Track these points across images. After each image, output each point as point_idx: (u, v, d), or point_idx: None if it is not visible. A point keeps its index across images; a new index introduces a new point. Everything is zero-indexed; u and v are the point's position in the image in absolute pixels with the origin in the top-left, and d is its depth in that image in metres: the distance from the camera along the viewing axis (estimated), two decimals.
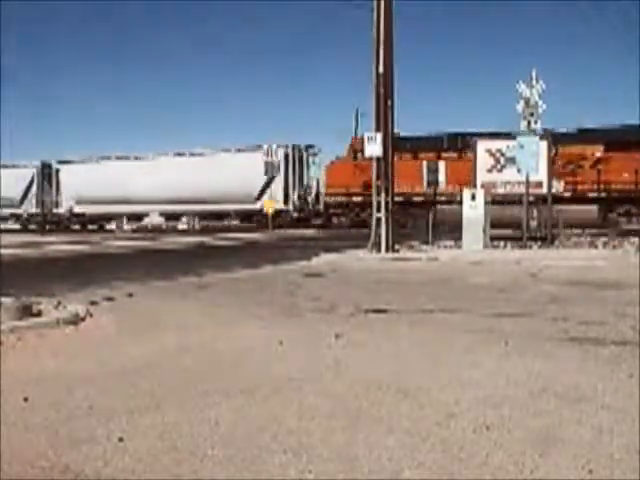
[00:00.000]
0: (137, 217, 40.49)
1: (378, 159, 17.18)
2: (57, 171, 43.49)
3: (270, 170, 34.54)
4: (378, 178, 17.29)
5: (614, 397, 4.21)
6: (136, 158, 40.42)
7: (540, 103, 19.68)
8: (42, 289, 9.30)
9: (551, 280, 11.24)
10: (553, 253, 16.72)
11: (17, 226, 43.67)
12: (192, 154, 38.85)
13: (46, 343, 6.14)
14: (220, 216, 38.25)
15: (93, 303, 8.30)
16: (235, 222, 38.07)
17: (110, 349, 5.90)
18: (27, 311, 6.96)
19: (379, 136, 16.98)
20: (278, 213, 35.56)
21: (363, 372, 4.93)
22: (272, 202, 34.61)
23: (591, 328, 6.56)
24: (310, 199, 36.46)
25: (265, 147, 35.51)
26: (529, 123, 19.67)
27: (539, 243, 18.55)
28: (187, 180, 36.69)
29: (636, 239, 19.44)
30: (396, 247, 17.28)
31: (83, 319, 7.16)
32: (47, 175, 44.05)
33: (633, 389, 4.36)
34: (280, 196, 35.80)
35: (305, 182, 36.41)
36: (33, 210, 44.18)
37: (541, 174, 19.14)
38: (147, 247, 22.46)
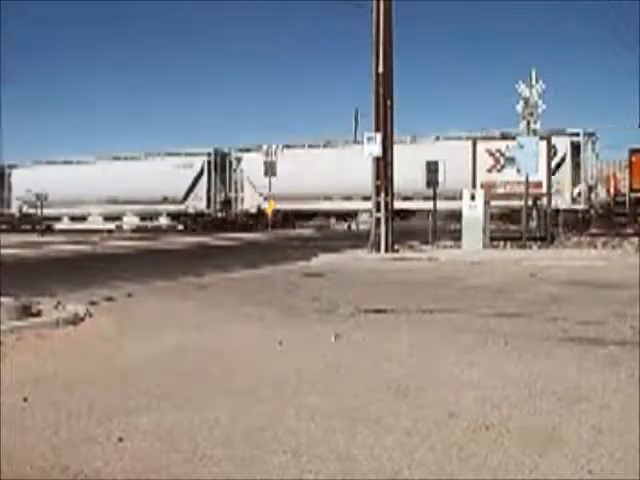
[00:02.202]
0: (81, 218, 41.65)
1: (378, 159, 17.20)
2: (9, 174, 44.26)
3: (270, 170, 34.47)
4: (378, 178, 17.30)
5: (614, 397, 4.21)
6: (78, 162, 41.94)
7: (539, 103, 19.71)
8: None
9: (551, 280, 11.24)
10: (553, 253, 16.72)
11: None
12: (127, 158, 40.35)
13: (46, 343, 6.14)
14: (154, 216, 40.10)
15: None
16: (165, 221, 39.51)
17: None
18: (27, 311, 6.96)
19: (379, 136, 17.00)
20: (201, 215, 37.87)
21: (362, 371, 4.94)
22: (272, 202, 34.55)
23: (590, 328, 6.56)
24: (235, 203, 37.83)
25: (265, 147, 35.48)
26: (529, 123, 19.70)
27: (539, 243, 18.56)
28: (123, 182, 38.04)
29: (635, 239, 19.45)
30: (396, 247, 17.29)
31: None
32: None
33: (633, 389, 4.37)
34: (204, 199, 37.67)
35: (228, 186, 37.72)
36: None
37: (540, 174, 19.16)
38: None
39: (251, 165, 36.27)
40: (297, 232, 34.39)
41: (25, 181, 42.05)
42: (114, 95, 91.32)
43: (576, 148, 29.53)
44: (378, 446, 3.39)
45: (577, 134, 29.53)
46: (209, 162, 37.50)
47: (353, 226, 35.85)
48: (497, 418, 3.82)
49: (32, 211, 41.47)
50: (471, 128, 30.57)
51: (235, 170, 37.37)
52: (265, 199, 35.27)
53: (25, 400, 4.27)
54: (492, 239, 18.61)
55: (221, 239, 27.52)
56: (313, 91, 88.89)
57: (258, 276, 12.54)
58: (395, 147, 17.84)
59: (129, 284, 10.70)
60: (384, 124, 17.11)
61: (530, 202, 20.06)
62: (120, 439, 3.56)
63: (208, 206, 37.74)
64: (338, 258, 16.33)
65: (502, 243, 18.94)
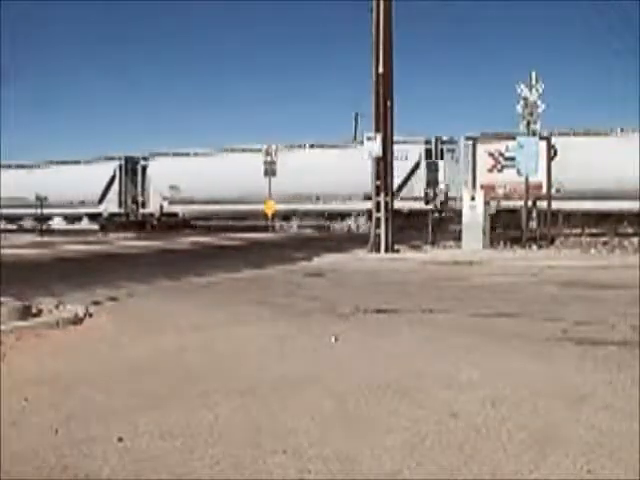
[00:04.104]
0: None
1: (378, 159, 17.21)
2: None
3: (270, 170, 34.48)
4: (378, 178, 17.31)
5: (614, 397, 4.21)
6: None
7: (539, 103, 19.72)
8: None
9: (551, 280, 11.24)
10: (553, 253, 16.74)
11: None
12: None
13: (46, 343, 6.14)
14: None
15: None
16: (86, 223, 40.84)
17: None
18: (27, 311, 6.96)
19: (379, 136, 17.01)
20: (112, 217, 39.66)
21: (362, 371, 4.94)
22: (271, 203, 34.52)
23: (590, 328, 6.56)
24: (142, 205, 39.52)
25: (264, 147, 35.51)
26: (528, 124, 19.71)
27: (539, 243, 18.57)
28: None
29: (635, 239, 19.46)
30: (396, 247, 17.30)
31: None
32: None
33: (633, 389, 4.37)
34: (117, 202, 39.77)
35: (137, 190, 39.75)
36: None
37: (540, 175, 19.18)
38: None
39: (157, 170, 38.43)
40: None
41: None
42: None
43: (429, 154, 31.55)
44: (378, 446, 3.40)
45: (429, 141, 31.57)
46: (120, 168, 39.61)
47: (353, 226, 35.68)
48: (497, 418, 3.82)
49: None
50: (471, 128, 30.67)
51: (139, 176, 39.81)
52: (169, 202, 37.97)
53: (25, 400, 4.27)
54: (492, 239, 18.62)
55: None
56: (313, 91, 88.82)
57: (262, 277, 12.55)
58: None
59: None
60: (384, 124, 17.13)
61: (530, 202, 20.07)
62: (120, 439, 3.56)
63: (122, 208, 39.96)
64: (339, 258, 16.34)
65: (502, 243, 18.95)
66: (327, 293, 9.81)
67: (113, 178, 39.81)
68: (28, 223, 41.27)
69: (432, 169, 30.20)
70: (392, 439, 3.51)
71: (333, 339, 6.07)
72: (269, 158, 35.00)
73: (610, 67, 68.89)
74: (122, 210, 40.02)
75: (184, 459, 3.29)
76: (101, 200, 39.97)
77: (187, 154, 38.63)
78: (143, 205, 39.84)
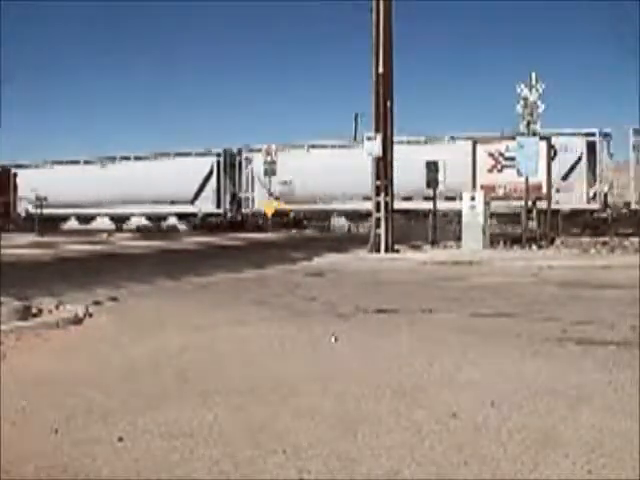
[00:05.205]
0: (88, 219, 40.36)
1: (378, 159, 17.21)
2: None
3: (270, 170, 34.45)
4: (378, 178, 17.31)
5: (614, 397, 4.21)
6: (86, 162, 40.22)
7: (539, 103, 19.72)
8: None
9: (551, 280, 11.25)
10: (553, 253, 16.73)
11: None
12: (137, 158, 39.02)
13: (46, 343, 6.14)
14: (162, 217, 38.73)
15: None
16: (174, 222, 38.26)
17: None
18: (27, 311, 6.96)
19: (379, 136, 17.01)
20: (210, 215, 36.72)
21: (362, 371, 4.94)
22: (272, 203, 34.47)
23: (590, 328, 6.56)
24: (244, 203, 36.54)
25: (264, 147, 35.42)
26: (528, 124, 19.71)
27: (539, 243, 18.57)
28: (132, 182, 36.81)
29: (635, 239, 19.45)
30: (396, 247, 17.30)
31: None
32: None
33: (633, 389, 4.37)
34: (213, 200, 36.54)
35: (237, 186, 36.65)
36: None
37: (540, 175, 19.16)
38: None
39: (261, 165, 34.82)
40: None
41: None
42: (114, 96, 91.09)
43: (592, 148, 29.33)
44: (378, 446, 3.40)
45: (593, 134, 29.40)
46: (218, 162, 36.49)
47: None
48: (497, 418, 3.82)
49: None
50: (471, 128, 30.54)
51: (246, 170, 36.04)
52: (276, 198, 34.21)
53: (25, 400, 4.27)
54: (492, 240, 18.62)
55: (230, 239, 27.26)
56: (312, 91, 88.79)
57: (264, 276, 12.55)
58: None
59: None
60: (384, 124, 17.13)
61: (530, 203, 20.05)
62: (120, 439, 3.56)
63: (218, 206, 36.68)
64: (340, 258, 16.34)
65: (502, 243, 18.95)
66: (327, 293, 9.80)
67: (210, 174, 36.26)
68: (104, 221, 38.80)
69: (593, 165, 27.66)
70: (392, 439, 3.51)
71: (333, 339, 6.07)
72: (269, 158, 34.95)
73: (610, 67, 68.79)
74: (221, 210, 36.46)
75: (184, 459, 3.29)
76: (194, 199, 36.59)
77: (302, 146, 34.76)
78: (239, 203, 36.29)
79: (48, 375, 4.98)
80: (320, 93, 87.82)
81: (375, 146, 17.01)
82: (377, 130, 17.14)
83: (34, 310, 7.16)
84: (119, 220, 38.91)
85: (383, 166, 17.22)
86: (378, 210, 17.17)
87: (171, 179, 35.80)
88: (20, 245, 22.50)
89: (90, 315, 7.38)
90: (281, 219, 34.69)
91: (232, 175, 36.53)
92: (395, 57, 17.33)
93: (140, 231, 35.98)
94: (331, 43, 77.84)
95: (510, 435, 3.54)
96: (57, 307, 7.56)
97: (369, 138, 17.23)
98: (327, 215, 34.46)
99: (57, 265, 15.60)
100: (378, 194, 17.23)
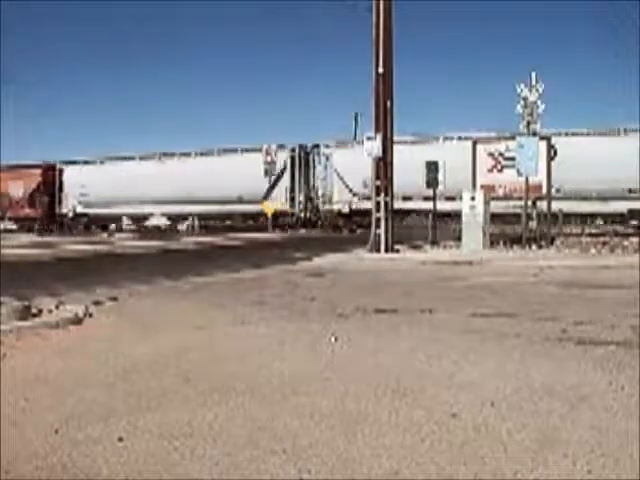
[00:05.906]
0: (142, 218, 38.40)
1: (378, 159, 17.22)
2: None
3: (270, 171, 34.46)
4: (378, 178, 17.31)
5: (614, 397, 4.21)
6: (141, 158, 38.38)
7: (539, 103, 19.73)
8: None
9: (551, 280, 11.24)
10: (552, 253, 16.73)
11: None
12: (200, 154, 37.08)
13: (46, 343, 6.14)
14: (227, 217, 36.59)
15: None
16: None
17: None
18: (27, 311, 6.96)
19: (379, 136, 17.02)
20: (280, 215, 34.54)
21: (361, 371, 4.94)
22: (272, 203, 34.49)
23: (590, 328, 6.56)
24: (316, 201, 34.54)
25: (264, 147, 35.38)
26: (528, 124, 19.72)
27: (539, 243, 18.56)
28: (194, 180, 34.84)
29: (635, 239, 19.45)
30: (396, 247, 17.30)
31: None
32: None
33: (633, 389, 4.37)
34: (285, 198, 34.50)
35: (311, 184, 34.75)
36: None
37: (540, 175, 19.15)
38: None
39: (343, 161, 32.06)
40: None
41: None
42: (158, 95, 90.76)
43: None
44: (378, 446, 3.40)
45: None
46: (292, 158, 34.30)
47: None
48: (497, 418, 3.82)
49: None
50: (471, 128, 30.44)
51: (321, 167, 33.92)
52: (354, 195, 31.83)
53: (25, 400, 4.27)
54: (492, 240, 18.62)
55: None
56: (312, 91, 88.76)
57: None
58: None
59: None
60: (384, 125, 17.13)
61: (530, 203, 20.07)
62: (120, 439, 3.56)
63: (291, 206, 34.55)
64: (340, 258, 16.34)
65: (502, 243, 18.95)
66: (327, 293, 9.81)
67: (283, 171, 34.35)
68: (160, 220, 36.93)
69: None
70: (392, 439, 3.51)
71: (333, 339, 6.07)
72: (269, 158, 34.95)
73: (610, 67, 68.77)
74: (295, 210, 34.55)
75: (184, 459, 3.29)
76: (265, 198, 34.55)
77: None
78: (311, 200, 34.18)
79: (48, 375, 4.98)
80: (320, 93, 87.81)
81: (375, 146, 17.01)
82: (377, 130, 17.14)
83: (34, 310, 7.15)
84: (176, 220, 36.97)
85: (383, 166, 17.22)
86: (378, 210, 17.17)
87: (239, 176, 33.54)
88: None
89: (90, 315, 7.39)
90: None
91: (306, 172, 34.43)
92: (395, 57, 17.37)
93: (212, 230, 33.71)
94: (331, 43, 77.90)
95: (510, 435, 3.54)
96: (57, 307, 7.56)
97: (369, 138, 17.24)
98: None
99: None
100: (378, 194, 17.23)
